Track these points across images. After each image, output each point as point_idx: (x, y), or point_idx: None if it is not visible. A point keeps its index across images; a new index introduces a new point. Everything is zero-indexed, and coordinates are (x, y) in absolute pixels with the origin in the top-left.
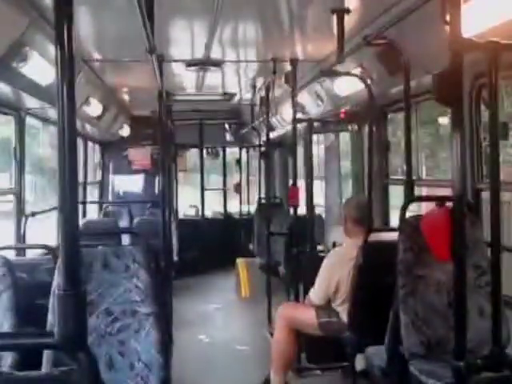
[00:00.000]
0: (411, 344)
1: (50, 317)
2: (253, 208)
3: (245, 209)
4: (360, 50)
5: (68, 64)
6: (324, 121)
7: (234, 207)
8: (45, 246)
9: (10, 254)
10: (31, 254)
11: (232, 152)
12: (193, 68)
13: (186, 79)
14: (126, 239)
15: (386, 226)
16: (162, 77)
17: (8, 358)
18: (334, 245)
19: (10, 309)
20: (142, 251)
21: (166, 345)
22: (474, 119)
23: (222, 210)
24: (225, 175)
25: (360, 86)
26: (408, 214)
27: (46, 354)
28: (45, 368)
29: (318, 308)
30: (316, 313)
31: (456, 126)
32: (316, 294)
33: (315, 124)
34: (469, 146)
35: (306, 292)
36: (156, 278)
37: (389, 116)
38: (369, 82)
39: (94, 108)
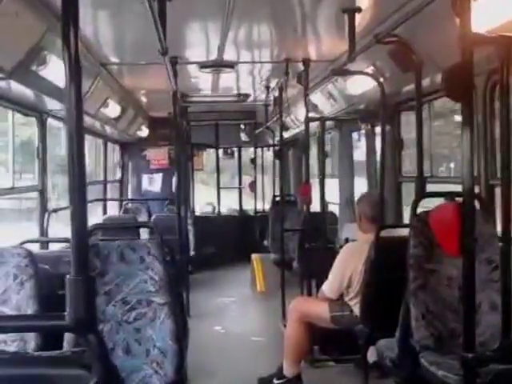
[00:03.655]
0: (422, 337)
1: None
2: (267, 206)
3: (259, 206)
4: (372, 49)
5: (74, 66)
6: (337, 119)
7: (249, 205)
8: (66, 240)
9: (35, 248)
10: (55, 247)
11: (247, 151)
12: (207, 70)
13: (201, 81)
14: (144, 235)
15: (398, 223)
16: (176, 79)
17: (31, 341)
18: (347, 241)
19: (32, 297)
20: (157, 245)
21: (181, 333)
22: (488, 115)
23: (237, 207)
24: (240, 174)
25: (372, 84)
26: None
27: (67, 338)
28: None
29: (331, 302)
30: (329, 306)
31: (466, 121)
32: (329, 288)
33: (329, 123)
34: (482, 142)
35: (319, 286)
36: (171, 271)
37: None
38: (381, 80)
39: (113, 110)
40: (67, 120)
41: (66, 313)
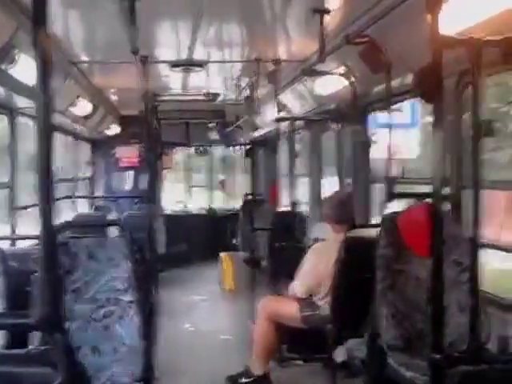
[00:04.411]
0: (390, 337)
1: (33, 302)
2: (237, 204)
3: (230, 205)
4: (342, 50)
5: (45, 64)
6: (307, 119)
7: (219, 203)
8: (35, 237)
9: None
10: (24, 244)
11: (218, 150)
12: (177, 69)
13: (171, 79)
14: (114, 233)
15: (368, 223)
16: (146, 77)
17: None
18: (316, 241)
19: (0, 294)
20: (126, 243)
21: (149, 332)
22: (459, 116)
23: (207, 205)
24: (210, 173)
25: (342, 85)
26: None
27: (32, 335)
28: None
29: (301, 301)
30: (298, 306)
31: (437, 122)
32: (298, 287)
33: (299, 123)
34: (453, 144)
35: (288, 285)
36: (140, 269)
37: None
38: (352, 80)
39: (83, 108)
40: (37, 118)
41: (32, 311)
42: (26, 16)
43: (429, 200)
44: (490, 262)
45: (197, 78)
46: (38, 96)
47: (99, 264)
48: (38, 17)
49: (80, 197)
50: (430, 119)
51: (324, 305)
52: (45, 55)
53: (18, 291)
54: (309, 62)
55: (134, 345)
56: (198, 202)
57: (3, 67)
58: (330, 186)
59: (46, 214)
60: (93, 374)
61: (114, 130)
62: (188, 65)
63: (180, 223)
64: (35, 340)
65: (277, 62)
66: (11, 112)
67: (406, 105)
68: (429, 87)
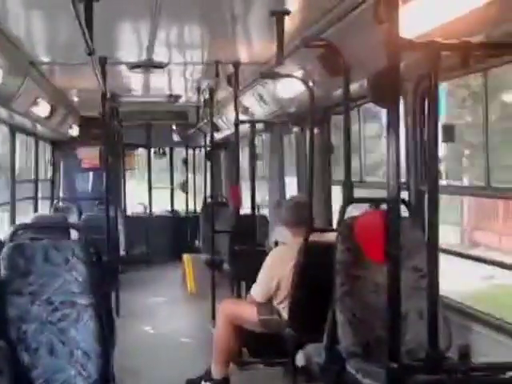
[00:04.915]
0: (349, 343)
1: None
2: (199, 206)
3: (191, 207)
4: (302, 53)
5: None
6: (267, 122)
7: (181, 205)
8: None
9: None
10: None
11: (180, 152)
12: (137, 70)
13: (132, 81)
14: (75, 235)
15: (328, 227)
16: (104, 79)
17: None
18: (277, 244)
19: None
20: (81, 245)
21: (106, 335)
22: (418, 121)
23: (169, 207)
24: (172, 174)
25: (303, 88)
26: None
27: None
28: None
29: (260, 305)
30: (257, 309)
31: (392, 127)
32: (257, 291)
33: (260, 125)
34: (413, 148)
35: (249, 289)
36: (97, 272)
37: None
38: (310, 84)
39: (43, 109)
40: None
41: None
42: None
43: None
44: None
45: (158, 80)
46: None
47: (55, 266)
48: None
49: (42, 198)
50: (457, 111)
51: (283, 309)
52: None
53: None
54: (268, 65)
55: (88, 348)
56: (159, 203)
57: None
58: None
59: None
60: (49, 376)
61: (76, 131)
62: (147, 66)
63: (142, 225)
64: None
65: (236, 64)
66: None
67: None
68: (384, 92)
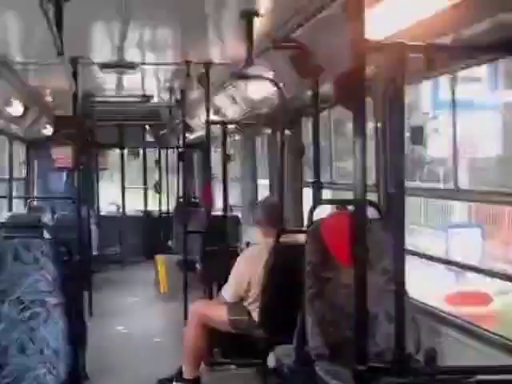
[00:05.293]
0: (317, 345)
1: None
2: (172, 207)
3: (164, 207)
4: (272, 54)
5: None
6: (238, 123)
7: (154, 205)
8: None
9: None
10: None
11: (153, 152)
12: (108, 70)
13: (105, 81)
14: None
15: (299, 228)
16: (76, 79)
17: None
18: (248, 245)
19: None
20: (51, 245)
21: (76, 334)
22: (387, 123)
23: (142, 207)
24: (145, 174)
25: (274, 89)
26: None
27: None
28: None
29: (230, 305)
30: (228, 310)
31: (358, 129)
32: (228, 291)
33: (231, 126)
34: (382, 151)
35: (220, 289)
36: (67, 271)
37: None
38: (281, 85)
39: (16, 108)
40: None
41: None
42: None
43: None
44: None
45: (131, 80)
46: None
47: (24, 265)
48: None
49: (16, 197)
50: None
51: (253, 310)
52: None
53: None
54: (239, 66)
55: (58, 347)
56: (132, 203)
57: None
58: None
59: None
60: (19, 375)
61: (48, 130)
62: (118, 66)
63: (115, 225)
64: None
65: (207, 64)
66: None
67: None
68: (350, 94)
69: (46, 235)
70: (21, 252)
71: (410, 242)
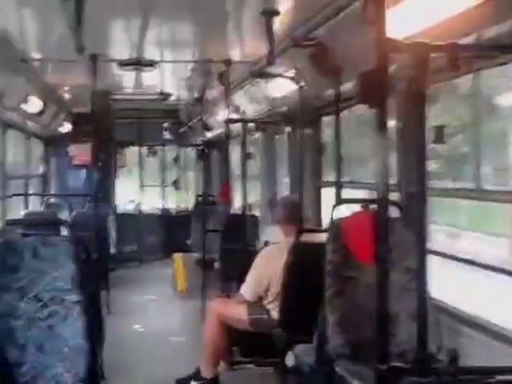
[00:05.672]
0: (338, 344)
1: None
2: (190, 205)
3: (182, 205)
4: (293, 52)
5: None
6: (258, 121)
7: (172, 203)
8: None
9: None
10: None
11: (172, 150)
12: (127, 68)
13: (124, 78)
14: (65, 231)
15: (318, 227)
16: (95, 76)
17: None
18: (266, 243)
19: None
20: (70, 242)
21: (95, 332)
22: (408, 122)
23: (161, 205)
24: (163, 173)
25: (294, 87)
26: None
27: None
28: None
29: (249, 304)
30: (247, 309)
31: (380, 128)
32: (247, 290)
33: (252, 124)
34: (403, 150)
35: (239, 288)
36: (86, 269)
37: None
38: (302, 83)
39: (34, 105)
40: None
41: None
42: None
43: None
44: None
45: (150, 77)
46: None
47: (43, 263)
48: None
49: (33, 194)
50: None
51: (272, 308)
52: None
53: None
54: (259, 64)
55: (77, 345)
56: (150, 201)
57: None
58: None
59: None
60: (37, 373)
61: (67, 127)
62: (138, 64)
63: (132, 222)
64: None
65: (227, 62)
66: None
67: None
68: (373, 92)
69: (64, 233)
70: (40, 249)
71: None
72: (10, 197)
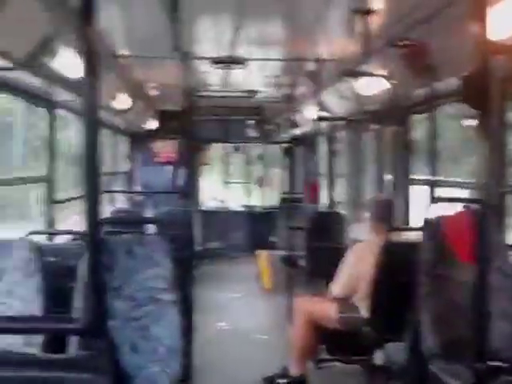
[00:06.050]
0: (431, 343)
1: (75, 301)
2: (275, 202)
3: (267, 202)
4: (384, 51)
5: (92, 58)
6: (347, 120)
7: (257, 200)
8: (72, 232)
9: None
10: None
11: (256, 147)
12: (218, 65)
13: (211, 76)
14: (151, 228)
15: (406, 226)
16: (186, 74)
17: (37, 340)
18: (354, 242)
19: (38, 291)
20: (165, 240)
21: (187, 331)
22: (502, 123)
23: (245, 202)
24: (248, 169)
25: (384, 86)
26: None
27: (72, 338)
28: (70, 351)
29: (339, 302)
30: (336, 307)
31: (483, 129)
32: (337, 288)
33: (339, 122)
34: (494, 150)
35: (325, 286)
36: (180, 268)
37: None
38: (393, 82)
39: (123, 102)
40: (83, 111)
41: (75, 311)
42: (66, 8)
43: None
44: None
45: (236, 75)
46: (83, 90)
47: (137, 262)
48: (87, 12)
49: (120, 191)
50: None
51: (362, 307)
52: (91, 51)
53: (56, 288)
54: (350, 62)
55: (173, 345)
56: (234, 198)
57: (44, 60)
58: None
59: (93, 209)
60: (132, 373)
61: (153, 124)
62: (228, 62)
63: (217, 219)
64: (73, 342)
65: (317, 61)
66: (50, 105)
67: None
68: (476, 94)
69: (150, 230)
70: (133, 248)
71: None
72: (102, 193)
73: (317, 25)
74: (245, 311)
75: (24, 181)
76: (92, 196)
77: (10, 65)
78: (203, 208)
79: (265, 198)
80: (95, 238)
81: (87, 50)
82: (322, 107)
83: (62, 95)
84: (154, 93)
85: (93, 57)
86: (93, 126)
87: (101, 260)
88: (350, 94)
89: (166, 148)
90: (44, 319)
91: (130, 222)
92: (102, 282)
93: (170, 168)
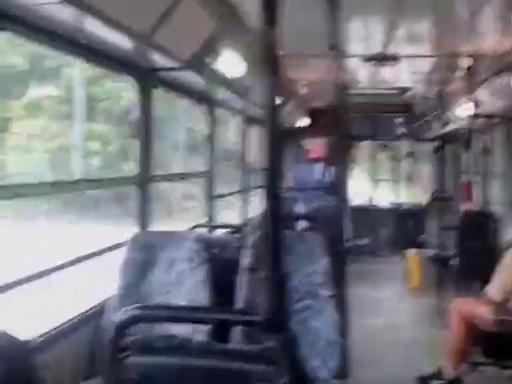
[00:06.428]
0: None
1: (238, 293)
2: (423, 200)
3: (416, 200)
4: None
5: (273, 59)
6: (503, 116)
7: (405, 198)
8: (232, 226)
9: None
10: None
11: (403, 144)
12: (371, 62)
13: (360, 73)
14: (301, 224)
15: None
16: (340, 71)
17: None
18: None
19: (203, 281)
20: (322, 237)
21: (344, 327)
22: None
23: (392, 200)
24: (396, 167)
25: None
26: None
27: (236, 329)
28: (234, 342)
29: (496, 305)
30: (493, 309)
31: None
32: (494, 290)
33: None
34: None
35: (478, 287)
36: (336, 264)
37: None
38: None
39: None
40: (263, 112)
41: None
42: (230, 10)
43: None
44: None
45: (385, 72)
46: (264, 95)
47: (298, 257)
48: (270, 17)
49: (261, 187)
50: None
51: None
52: (273, 57)
53: (217, 279)
54: (507, 58)
55: (332, 340)
56: (382, 195)
57: (207, 60)
58: None
59: (275, 208)
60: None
61: (303, 121)
62: (380, 59)
63: (365, 216)
64: (237, 333)
65: (473, 56)
66: (211, 104)
67: None
68: None
69: (300, 225)
70: (293, 244)
71: None
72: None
73: (471, 20)
74: (395, 310)
75: (187, 176)
76: (273, 195)
77: (176, 65)
78: (352, 204)
79: (413, 195)
80: (277, 235)
81: (269, 51)
82: (475, 104)
83: (222, 94)
84: (304, 90)
85: (274, 58)
86: (273, 127)
87: (280, 257)
88: (506, 90)
89: (316, 145)
90: (224, 311)
91: (286, 218)
92: (283, 279)
93: (321, 165)
